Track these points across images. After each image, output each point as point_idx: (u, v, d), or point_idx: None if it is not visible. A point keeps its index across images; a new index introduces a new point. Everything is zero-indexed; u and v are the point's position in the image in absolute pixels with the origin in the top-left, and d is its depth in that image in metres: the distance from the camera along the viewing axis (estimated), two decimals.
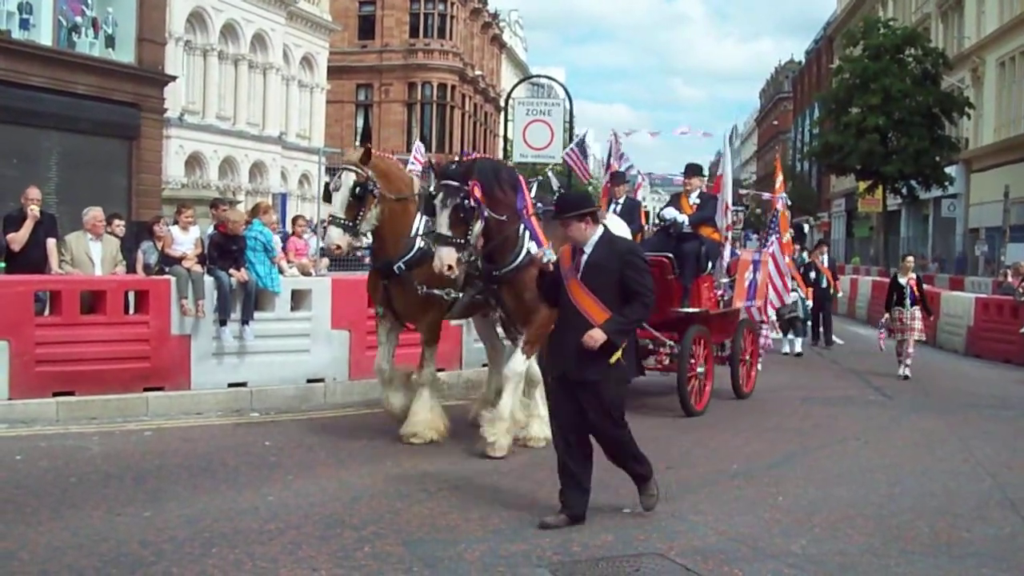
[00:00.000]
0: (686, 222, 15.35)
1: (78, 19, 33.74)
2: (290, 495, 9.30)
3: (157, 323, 13.35)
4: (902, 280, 20.14)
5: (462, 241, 10.70)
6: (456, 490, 9.70)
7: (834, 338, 26.29)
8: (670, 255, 14.77)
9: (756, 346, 17.17)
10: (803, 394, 17.28)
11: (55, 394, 12.63)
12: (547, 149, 32.98)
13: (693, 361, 14.56)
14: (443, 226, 10.64)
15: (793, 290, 22.47)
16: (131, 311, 13.76)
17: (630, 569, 7.54)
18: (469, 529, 8.37)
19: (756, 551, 8.07)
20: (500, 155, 35.22)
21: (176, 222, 15.29)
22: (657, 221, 17.75)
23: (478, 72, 79.67)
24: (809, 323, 25.15)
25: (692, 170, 16.20)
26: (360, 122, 71.53)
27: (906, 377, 19.41)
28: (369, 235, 12.01)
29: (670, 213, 15.59)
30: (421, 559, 7.53)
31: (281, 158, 54.16)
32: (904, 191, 50.23)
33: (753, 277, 16.85)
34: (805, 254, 26.30)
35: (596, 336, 8.34)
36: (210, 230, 14.91)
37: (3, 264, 14.67)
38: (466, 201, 10.60)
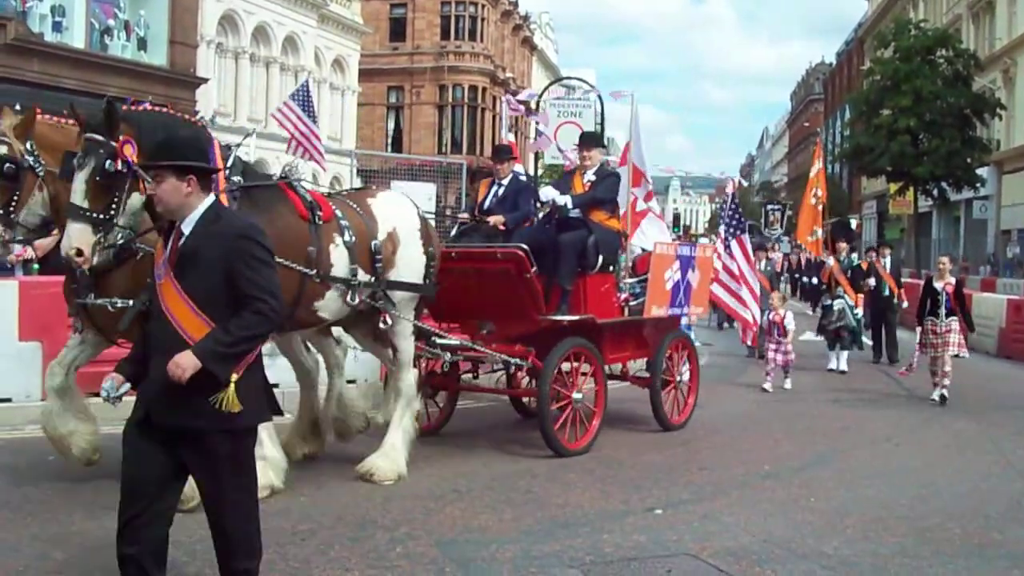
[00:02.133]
0: (568, 204, 12.34)
1: (110, 22, 34.06)
2: (322, 496, 9.33)
3: None
4: (937, 285, 16.77)
5: (102, 217, 7.96)
6: (488, 490, 9.73)
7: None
8: (525, 247, 11.32)
9: (695, 365, 14.24)
10: (833, 396, 17.21)
11: (88, 395, 12.69)
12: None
13: (568, 384, 11.67)
14: (77, 194, 7.87)
15: (839, 296, 20.79)
16: None
17: (662, 570, 7.53)
18: (502, 529, 8.38)
19: (789, 552, 8.06)
20: (532, 157, 35.19)
21: None
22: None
23: (509, 74, 79.60)
24: (863, 336, 21.91)
25: (588, 140, 13.29)
26: (391, 124, 71.63)
27: (943, 398, 16.40)
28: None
29: (547, 193, 12.54)
30: (454, 560, 7.55)
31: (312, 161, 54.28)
32: (935, 193, 50.02)
33: (682, 278, 13.45)
34: (855, 255, 22.99)
35: (183, 363, 5.50)
36: None
37: (37, 266, 14.78)
38: (108, 162, 7.87)
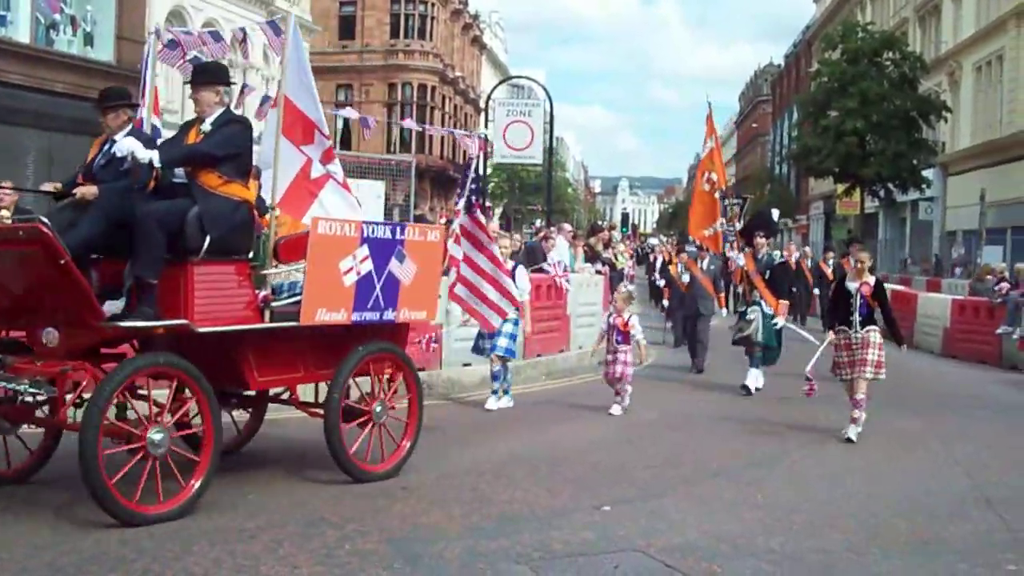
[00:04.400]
0: (155, 161, 8.66)
1: (56, 16, 33.72)
2: (271, 493, 9.28)
3: None
4: (851, 286, 13.36)
5: None
6: (436, 488, 9.72)
7: (808, 335, 24.00)
8: (45, 219, 7.93)
9: (416, 395, 10.45)
10: (780, 394, 17.24)
11: None
12: (527, 149, 33.08)
13: (148, 420, 8.45)
14: None
15: (755, 303, 17.09)
16: None
17: (610, 566, 7.54)
18: (450, 527, 8.37)
19: (736, 548, 8.10)
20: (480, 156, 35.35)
21: None
22: None
23: (458, 73, 79.61)
24: (766, 350, 17.22)
25: (197, 78, 9.83)
26: (340, 122, 71.34)
27: (848, 440, 13.15)
28: None
29: (126, 146, 8.67)
30: (402, 556, 7.53)
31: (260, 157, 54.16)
32: (882, 194, 50.48)
33: (378, 271, 9.67)
34: (777, 253, 19.52)
35: None
36: None
37: None
38: None
